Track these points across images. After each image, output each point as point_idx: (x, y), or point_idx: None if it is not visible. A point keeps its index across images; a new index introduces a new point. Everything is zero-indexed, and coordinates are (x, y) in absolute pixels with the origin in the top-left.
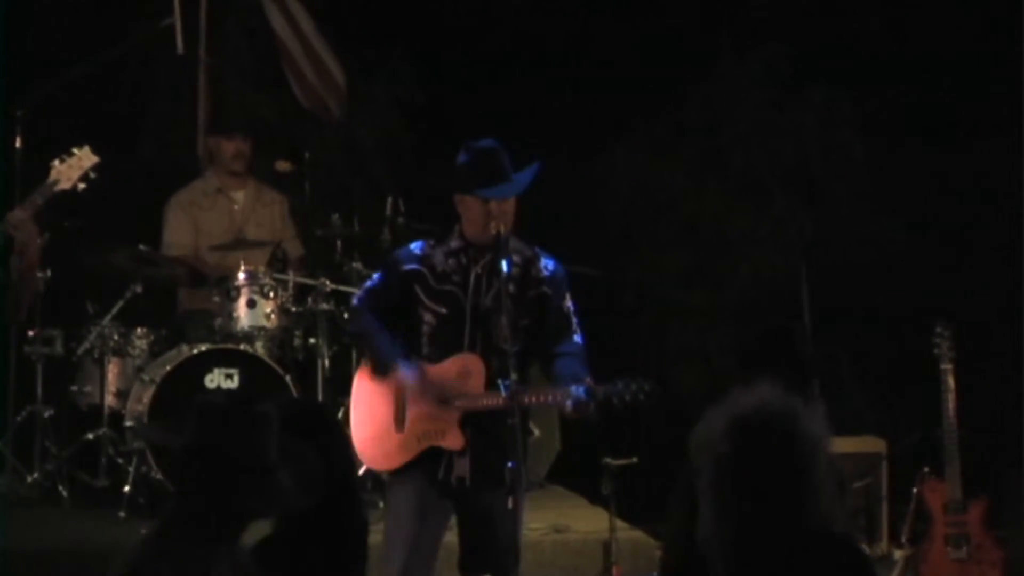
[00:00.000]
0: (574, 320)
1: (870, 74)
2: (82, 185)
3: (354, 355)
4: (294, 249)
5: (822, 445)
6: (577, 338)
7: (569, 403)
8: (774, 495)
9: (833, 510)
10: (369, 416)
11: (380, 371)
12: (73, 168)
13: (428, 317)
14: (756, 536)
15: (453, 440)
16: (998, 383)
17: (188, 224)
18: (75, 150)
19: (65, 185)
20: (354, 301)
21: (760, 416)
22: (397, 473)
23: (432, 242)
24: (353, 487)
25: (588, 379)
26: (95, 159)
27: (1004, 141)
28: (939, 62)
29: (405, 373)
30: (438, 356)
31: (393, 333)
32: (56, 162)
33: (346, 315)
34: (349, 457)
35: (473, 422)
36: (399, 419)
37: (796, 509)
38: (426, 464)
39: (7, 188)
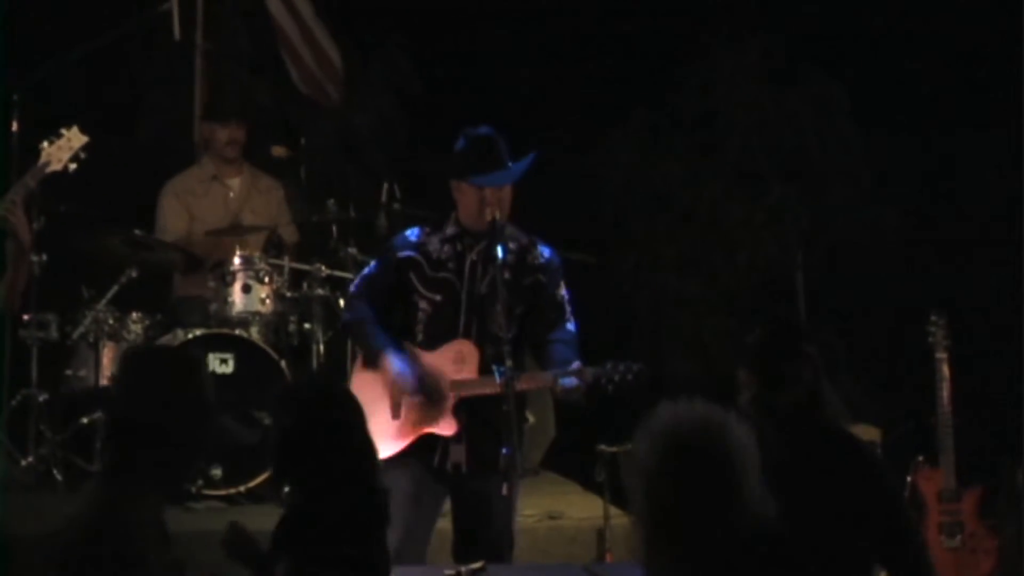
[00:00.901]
0: (567, 308)
1: (866, 62)
2: (73, 166)
3: (348, 341)
4: (289, 235)
5: (751, 457)
6: (570, 325)
7: (561, 382)
8: (708, 509)
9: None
10: (366, 403)
11: (372, 363)
12: (63, 149)
13: (423, 304)
14: (693, 549)
15: (447, 426)
16: (993, 372)
17: (182, 211)
18: (64, 131)
19: (56, 166)
20: (351, 289)
21: (688, 430)
22: (393, 459)
23: (428, 229)
24: (371, 455)
25: (579, 363)
26: (85, 139)
27: (1001, 130)
28: (936, 50)
29: (398, 369)
30: (432, 343)
31: (389, 320)
32: (45, 144)
33: (341, 303)
34: (364, 427)
35: (466, 408)
36: (395, 406)
37: (728, 521)
38: (422, 451)
39: (4, 172)
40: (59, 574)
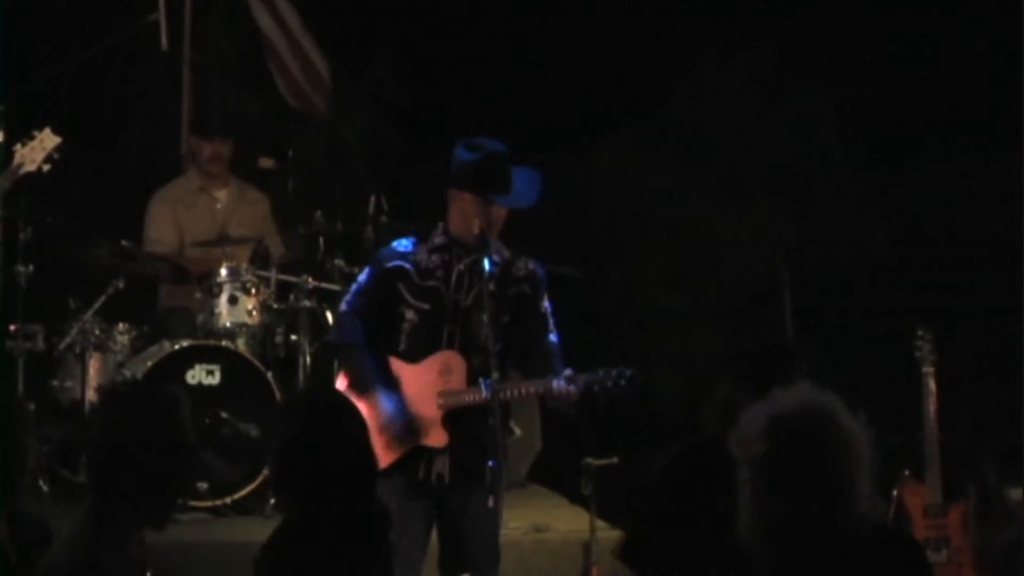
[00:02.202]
0: (550, 320)
1: (852, 79)
2: (47, 167)
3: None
4: (277, 247)
5: (858, 445)
6: (553, 337)
7: (554, 384)
8: (808, 495)
9: (871, 508)
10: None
11: (359, 391)
12: (36, 150)
13: (410, 314)
14: (792, 535)
15: (436, 438)
16: (980, 387)
17: (171, 221)
18: (36, 132)
19: (30, 167)
20: (342, 306)
21: (797, 416)
22: (381, 474)
23: (416, 239)
24: (373, 469)
25: (569, 371)
26: (57, 140)
27: (986, 145)
28: (923, 67)
29: (389, 412)
30: (415, 353)
31: (376, 330)
32: (18, 146)
33: (330, 320)
34: (367, 440)
35: (456, 420)
36: (380, 421)
37: (830, 509)
38: (408, 464)
39: None
40: None
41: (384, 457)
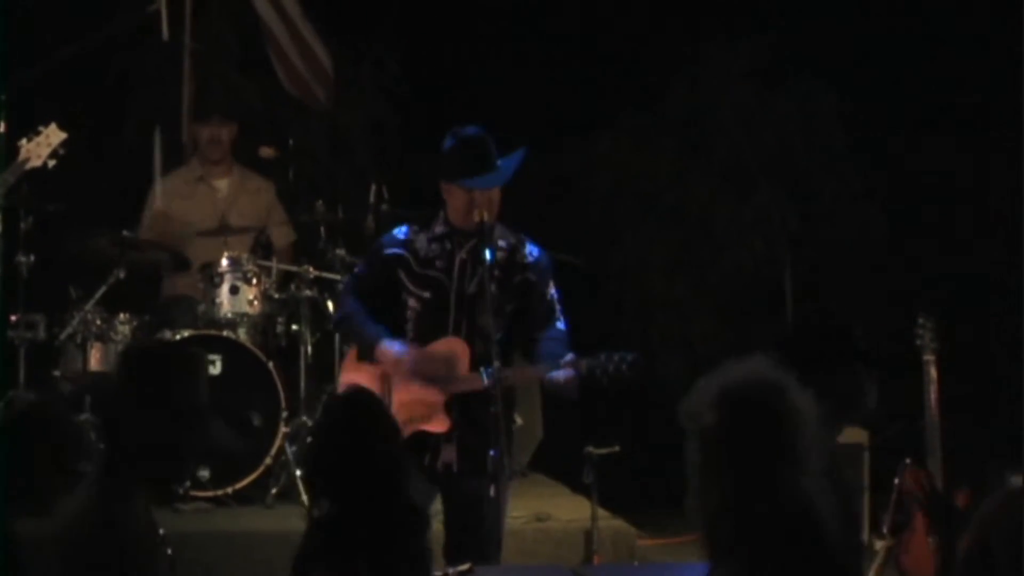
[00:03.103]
0: (557, 307)
1: (853, 64)
2: (52, 162)
3: (336, 342)
4: (284, 236)
5: (806, 421)
6: (560, 324)
7: (554, 374)
8: (756, 467)
9: (818, 489)
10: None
11: (366, 353)
12: (41, 146)
13: (412, 302)
14: (738, 507)
15: (439, 423)
16: (982, 374)
17: (164, 210)
18: (42, 128)
19: (36, 163)
20: (342, 288)
21: (748, 388)
22: None
23: (416, 227)
24: (406, 466)
25: (572, 356)
26: (63, 135)
27: (984, 134)
28: (922, 54)
29: (393, 349)
30: (422, 340)
31: (380, 318)
32: (24, 141)
33: (332, 309)
34: (394, 433)
35: (459, 406)
36: (387, 404)
37: (776, 482)
38: (413, 450)
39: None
40: (59, 572)
41: None
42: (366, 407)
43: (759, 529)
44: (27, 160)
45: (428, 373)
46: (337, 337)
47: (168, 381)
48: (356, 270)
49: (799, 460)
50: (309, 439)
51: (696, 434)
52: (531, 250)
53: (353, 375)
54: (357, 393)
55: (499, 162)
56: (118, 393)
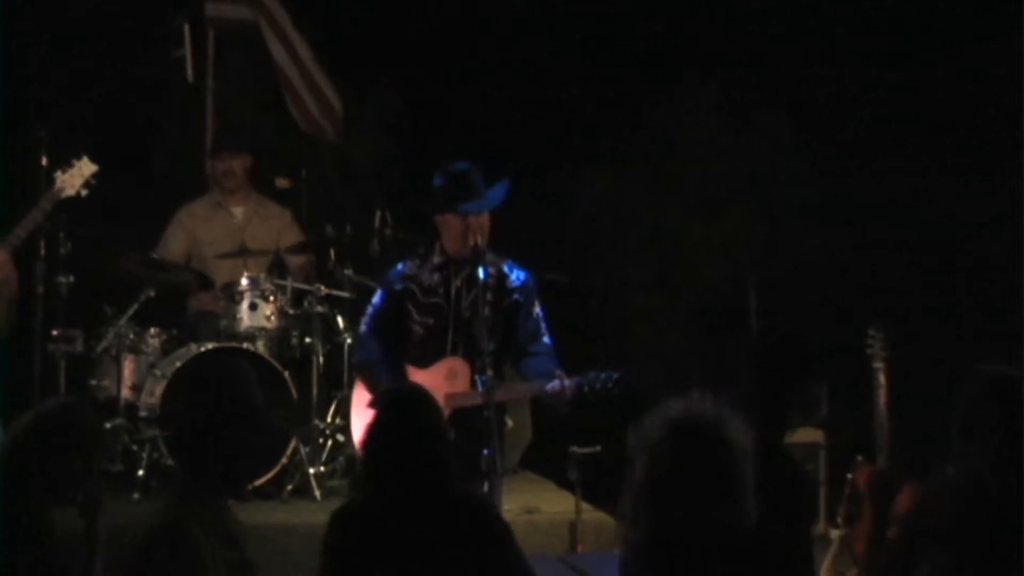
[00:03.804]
0: (543, 324)
1: (812, 102)
2: (84, 191)
3: (345, 353)
4: (294, 260)
5: (743, 451)
6: (546, 339)
7: (548, 389)
8: (696, 492)
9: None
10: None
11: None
12: (75, 176)
13: (416, 328)
14: (675, 528)
15: None
16: (929, 379)
17: (182, 236)
18: (75, 160)
19: (70, 192)
20: (362, 328)
21: (694, 421)
22: None
23: (416, 261)
24: (450, 459)
25: (561, 372)
26: (94, 167)
27: (935, 159)
28: (872, 92)
29: None
30: (425, 359)
31: (390, 343)
32: (59, 172)
33: (340, 323)
34: (442, 433)
35: (459, 419)
36: None
37: (713, 506)
38: None
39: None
40: (137, 571)
41: None
42: (423, 404)
43: (701, 550)
44: (62, 189)
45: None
46: (345, 348)
47: (227, 399)
48: (372, 309)
49: (734, 482)
50: (368, 429)
51: (642, 459)
52: (518, 275)
53: (362, 397)
54: (411, 390)
55: (487, 191)
56: (186, 413)
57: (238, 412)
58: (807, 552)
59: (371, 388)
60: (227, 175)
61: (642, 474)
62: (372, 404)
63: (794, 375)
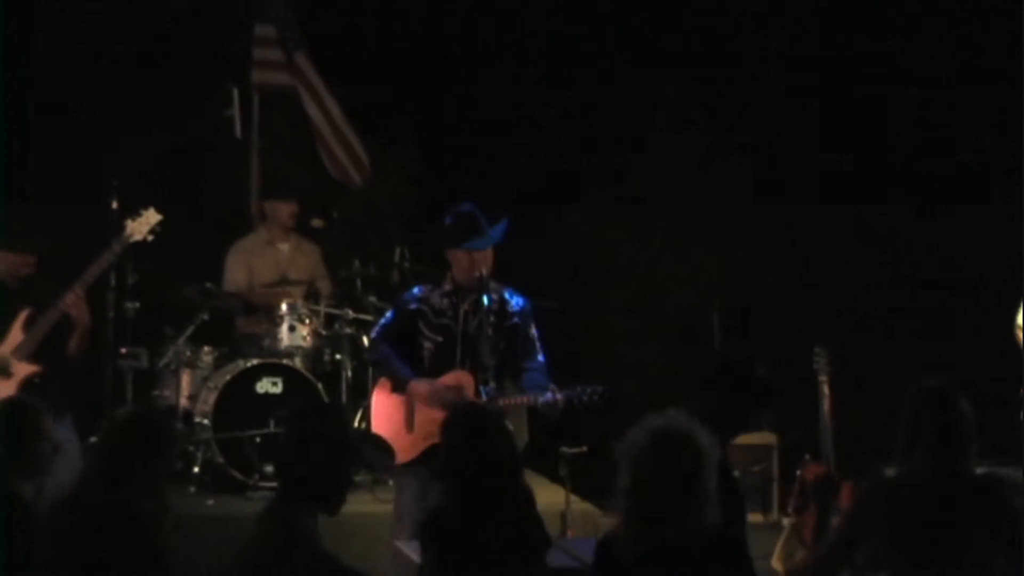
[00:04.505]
0: (537, 344)
1: (765, 154)
2: (150, 237)
3: (370, 369)
4: (326, 287)
5: (712, 459)
6: (540, 357)
7: (542, 400)
8: (672, 494)
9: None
10: (386, 420)
11: (398, 389)
12: (142, 224)
13: (428, 344)
14: (656, 529)
15: None
16: (866, 390)
17: (243, 267)
18: (142, 211)
19: (137, 237)
20: (373, 334)
21: (669, 432)
22: (406, 465)
23: (430, 287)
24: (516, 469)
25: (553, 386)
26: (159, 217)
27: (863, 200)
28: (815, 145)
29: (420, 386)
30: (435, 373)
31: (401, 355)
32: (129, 220)
33: (366, 343)
34: (510, 447)
35: None
36: (409, 423)
37: (687, 505)
38: (429, 458)
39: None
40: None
41: (411, 451)
42: (489, 421)
43: (674, 547)
44: (131, 235)
45: (445, 400)
46: (370, 367)
47: (325, 432)
48: (384, 321)
49: (704, 487)
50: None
51: (627, 465)
52: (517, 301)
53: (383, 397)
54: (479, 409)
55: (490, 230)
56: (288, 444)
57: (341, 444)
58: (746, 549)
59: (391, 377)
60: (292, 216)
61: (626, 479)
62: (394, 389)
63: (736, 387)
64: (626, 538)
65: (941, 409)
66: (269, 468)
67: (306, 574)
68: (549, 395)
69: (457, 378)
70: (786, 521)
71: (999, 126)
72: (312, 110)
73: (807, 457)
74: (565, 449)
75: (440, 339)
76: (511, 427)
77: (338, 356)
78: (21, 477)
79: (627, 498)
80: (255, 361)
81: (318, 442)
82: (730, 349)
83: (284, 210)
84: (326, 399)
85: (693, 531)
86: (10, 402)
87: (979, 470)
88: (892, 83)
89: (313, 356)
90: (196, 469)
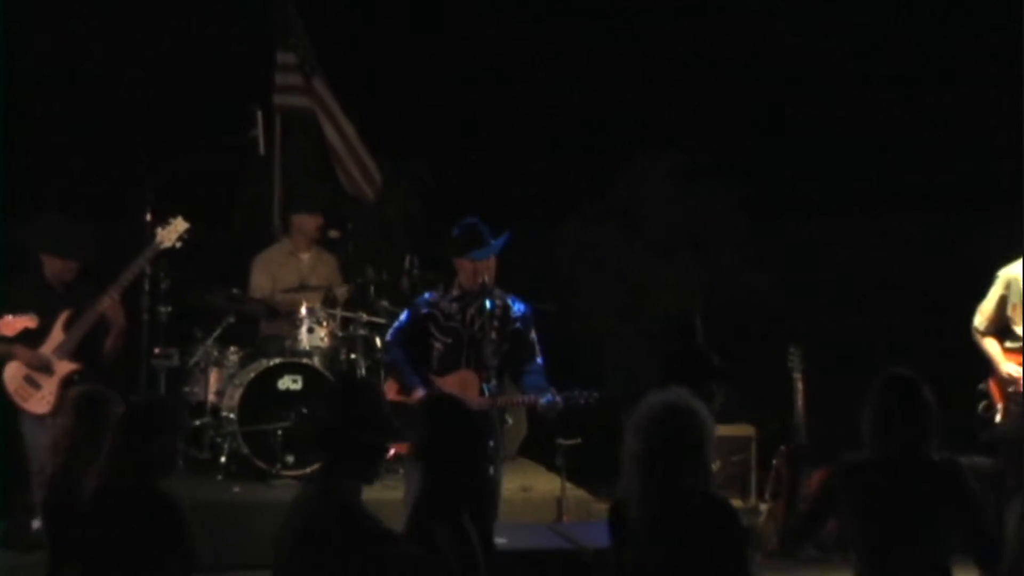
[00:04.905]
0: (536, 347)
1: (747, 169)
2: (179, 244)
3: (382, 368)
4: (342, 293)
5: (711, 431)
6: (539, 360)
7: (544, 402)
8: (678, 461)
9: (712, 476)
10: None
11: (405, 392)
12: (171, 232)
13: (438, 345)
14: (663, 491)
15: None
16: (836, 386)
17: (267, 275)
18: (171, 219)
19: (167, 245)
20: (388, 337)
21: (675, 407)
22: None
23: (440, 292)
24: (487, 452)
25: (553, 389)
26: (187, 225)
27: (831, 212)
28: (788, 161)
29: (426, 392)
30: (443, 371)
31: (412, 355)
32: (159, 229)
33: (379, 343)
34: (482, 439)
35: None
36: None
37: (689, 470)
38: None
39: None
40: (294, 543)
41: None
42: (462, 410)
43: (677, 511)
44: (161, 243)
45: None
46: (382, 363)
47: (367, 408)
48: (397, 324)
49: (703, 454)
50: (422, 435)
51: (636, 435)
52: (518, 307)
53: (392, 396)
54: (455, 401)
55: (492, 241)
56: (335, 418)
57: (377, 418)
58: (736, 510)
59: (398, 380)
60: (319, 228)
61: (635, 447)
62: (400, 390)
63: (692, 376)
64: (635, 500)
65: (907, 397)
66: (290, 458)
67: (357, 536)
68: (550, 397)
69: (462, 377)
70: (764, 506)
71: (960, 139)
72: (329, 130)
73: (782, 447)
74: (561, 441)
75: (449, 340)
76: (510, 421)
77: (353, 355)
78: (162, 473)
79: (636, 464)
80: (277, 360)
81: (359, 418)
82: (689, 346)
83: (310, 222)
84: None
85: (693, 493)
86: (148, 401)
87: (940, 455)
88: (852, 108)
89: (330, 356)
90: (223, 459)
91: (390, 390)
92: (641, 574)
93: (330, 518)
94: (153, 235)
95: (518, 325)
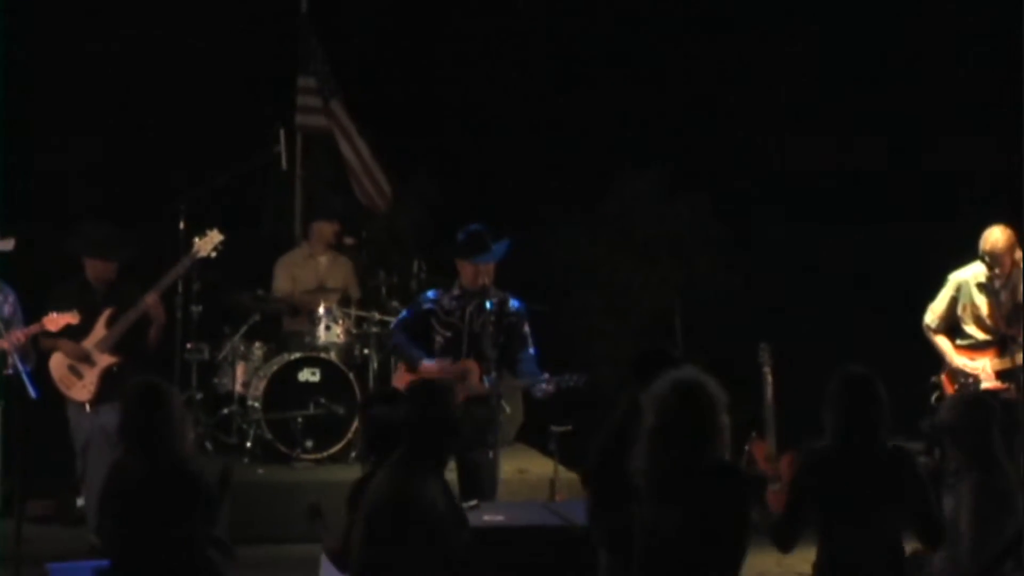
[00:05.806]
0: (530, 339)
1: (722, 184)
2: (214, 254)
3: (392, 361)
4: (356, 294)
5: (722, 401)
6: (532, 351)
7: (540, 387)
8: (693, 432)
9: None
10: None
11: (411, 368)
12: (207, 242)
13: (439, 338)
14: (680, 461)
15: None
16: (802, 379)
17: (288, 277)
18: (208, 231)
19: (203, 254)
20: (392, 325)
21: (690, 381)
22: None
23: (441, 291)
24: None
25: (546, 374)
26: (222, 236)
27: (801, 219)
28: (756, 175)
29: (431, 363)
30: (446, 361)
31: (416, 345)
32: (196, 239)
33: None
34: (451, 413)
35: (472, 405)
36: None
37: (705, 442)
38: None
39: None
40: (369, 528)
41: None
42: (435, 392)
43: (690, 481)
44: (198, 252)
45: (450, 375)
46: (392, 359)
47: (438, 405)
48: (401, 316)
49: (717, 425)
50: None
51: (654, 408)
52: (514, 303)
53: (402, 380)
54: (430, 384)
55: (493, 246)
56: (413, 414)
57: (448, 414)
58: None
59: (406, 357)
60: (336, 234)
61: (652, 419)
62: (408, 369)
63: (656, 368)
64: (648, 466)
65: (861, 392)
66: (310, 443)
67: (431, 508)
68: (543, 383)
69: (466, 365)
70: None
71: (910, 152)
72: (345, 148)
73: (753, 434)
74: (554, 427)
75: (449, 334)
76: (508, 409)
77: (366, 351)
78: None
79: (654, 434)
80: (298, 354)
81: (434, 414)
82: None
83: (328, 228)
84: (356, 387)
85: (707, 458)
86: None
87: (891, 444)
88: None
89: (346, 351)
90: (249, 444)
91: (400, 379)
92: (654, 533)
93: (415, 496)
94: (190, 243)
95: (513, 319)
